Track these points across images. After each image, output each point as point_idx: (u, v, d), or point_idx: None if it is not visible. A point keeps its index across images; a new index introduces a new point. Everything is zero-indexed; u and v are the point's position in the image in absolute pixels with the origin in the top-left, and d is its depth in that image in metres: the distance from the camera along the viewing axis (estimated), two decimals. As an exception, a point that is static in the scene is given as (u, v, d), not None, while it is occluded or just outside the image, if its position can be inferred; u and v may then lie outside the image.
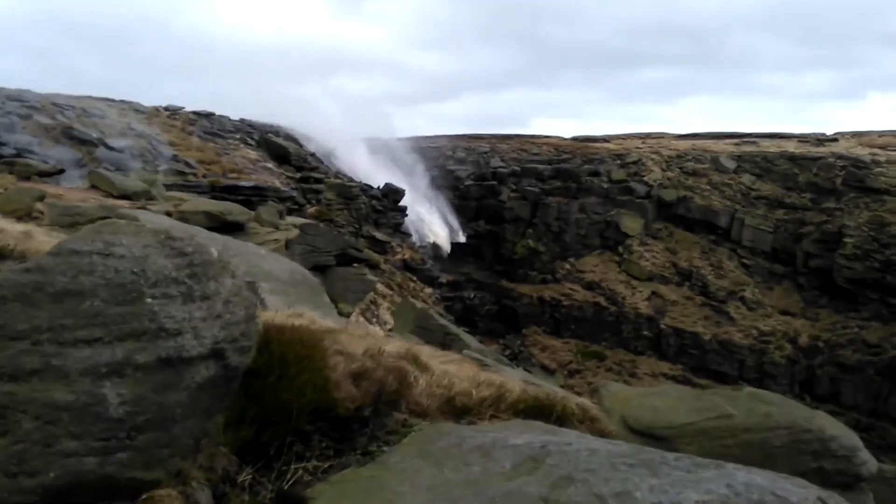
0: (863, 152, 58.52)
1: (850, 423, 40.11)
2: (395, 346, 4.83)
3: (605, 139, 77.02)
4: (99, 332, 2.76)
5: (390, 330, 21.10)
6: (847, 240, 49.83)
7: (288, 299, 11.09)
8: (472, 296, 56.17)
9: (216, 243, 12.18)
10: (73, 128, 33.62)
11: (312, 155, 50.87)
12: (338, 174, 51.58)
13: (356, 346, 4.30)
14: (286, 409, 3.28)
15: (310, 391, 3.42)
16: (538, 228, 59.59)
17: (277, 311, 5.29)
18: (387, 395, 3.80)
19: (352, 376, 3.76)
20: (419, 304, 16.88)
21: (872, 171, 52.74)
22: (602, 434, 4.47)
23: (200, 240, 3.17)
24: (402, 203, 54.52)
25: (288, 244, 22.58)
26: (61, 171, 26.43)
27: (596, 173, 61.83)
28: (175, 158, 34.35)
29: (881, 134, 67.58)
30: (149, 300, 2.85)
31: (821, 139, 67.12)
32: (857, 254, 48.92)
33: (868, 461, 6.04)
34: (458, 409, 4.04)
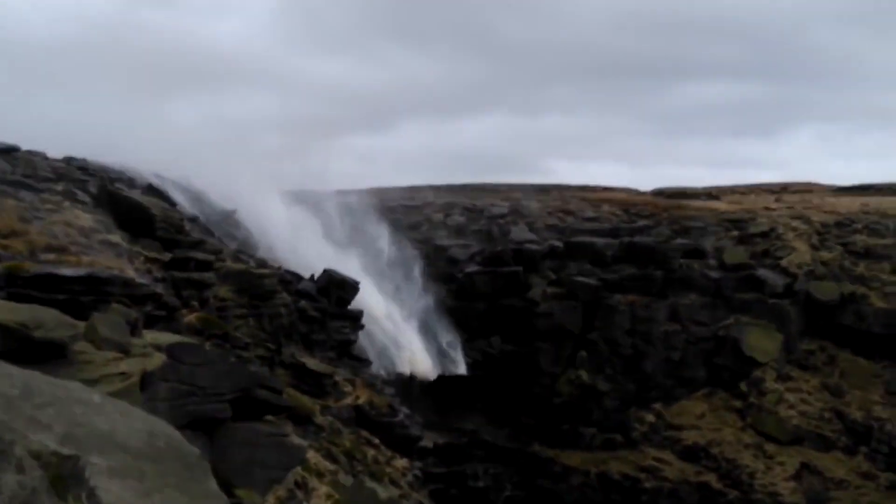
0: None
1: None
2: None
3: (710, 194, 78.10)
4: None
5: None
6: None
7: (141, 487, 10.58)
8: (479, 472, 55.34)
9: (12, 382, 11.75)
10: None
11: (194, 220, 50.88)
12: (240, 254, 51.54)
13: None
14: None
15: None
16: (597, 350, 59.39)
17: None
18: None
19: None
20: (384, 492, 16.34)
21: None
22: None
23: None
24: (353, 306, 54.32)
25: (146, 381, 22.10)
26: None
27: (698, 253, 62.14)
28: (-56, 232, 34.05)
29: None
30: None
31: None
32: None
33: None
34: None
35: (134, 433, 12.33)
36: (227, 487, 20.39)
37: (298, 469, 30.80)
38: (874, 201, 69.91)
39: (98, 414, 12.33)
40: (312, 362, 46.44)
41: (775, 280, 59.75)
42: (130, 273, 35.01)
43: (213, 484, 12.71)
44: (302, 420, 38.61)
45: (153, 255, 41.08)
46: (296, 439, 31.07)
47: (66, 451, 9.25)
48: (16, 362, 13.89)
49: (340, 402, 46.10)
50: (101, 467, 10.20)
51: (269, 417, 30.38)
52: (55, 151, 49.87)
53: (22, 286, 27.69)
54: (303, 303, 49.92)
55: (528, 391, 60.00)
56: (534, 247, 63.80)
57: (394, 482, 40.72)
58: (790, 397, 56.48)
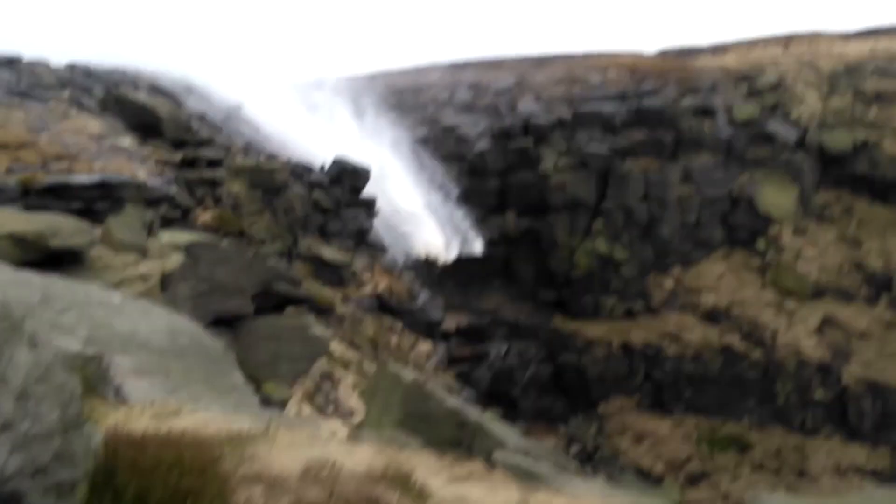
0: None
1: None
2: (360, 457, 4.70)
3: (717, 48, 77.12)
4: None
5: (359, 425, 20.82)
6: None
7: (168, 384, 10.95)
8: (503, 350, 55.71)
9: (31, 290, 12.06)
10: None
11: (202, 118, 50.74)
12: (249, 148, 51.50)
13: (288, 464, 4.17)
14: None
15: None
16: (612, 219, 59.42)
17: (133, 408, 5.19)
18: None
19: (281, 523, 3.63)
20: (409, 375, 16.73)
21: None
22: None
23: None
24: (366, 193, 54.34)
25: (166, 282, 22.49)
26: None
27: (707, 111, 61.77)
28: (-47, 145, 34.26)
29: None
30: None
31: None
32: None
33: None
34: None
35: (156, 332, 12.77)
36: (254, 380, 20.80)
37: (324, 361, 31.20)
38: (883, 43, 68.89)
39: (119, 315, 12.76)
40: (330, 253, 46.62)
41: (787, 133, 59.42)
42: (143, 176, 35.12)
43: (238, 376, 13.20)
44: (323, 311, 38.95)
45: (164, 156, 41.10)
46: (319, 330, 31.42)
47: (89, 351, 9.62)
48: (37, 269, 14.25)
49: (360, 291, 46.39)
50: (126, 367, 10.63)
51: (291, 308, 30.77)
52: (58, 58, 49.90)
53: (36, 197, 27.86)
54: (316, 193, 49.89)
55: (545, 266, 60.14)
56: (542, 119, 63.41)
57: (417, 366, 41.20)
58: (808, 251, 56.60)
